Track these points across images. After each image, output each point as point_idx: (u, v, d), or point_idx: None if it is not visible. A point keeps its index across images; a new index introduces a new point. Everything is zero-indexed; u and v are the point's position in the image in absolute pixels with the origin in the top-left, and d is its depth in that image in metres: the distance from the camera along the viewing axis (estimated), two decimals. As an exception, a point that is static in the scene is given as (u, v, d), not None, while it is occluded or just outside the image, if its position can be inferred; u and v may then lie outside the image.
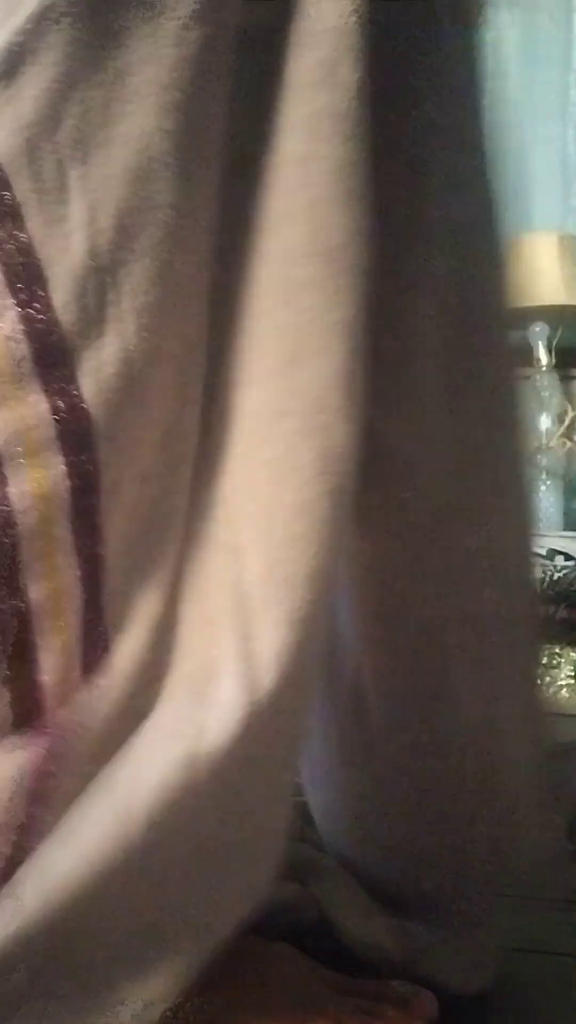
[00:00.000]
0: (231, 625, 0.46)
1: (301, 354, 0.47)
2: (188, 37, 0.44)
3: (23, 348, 0.43)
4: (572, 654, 2.21)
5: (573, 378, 2.66)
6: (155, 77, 0.44)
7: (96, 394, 0.45)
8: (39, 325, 0.44)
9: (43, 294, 0.44)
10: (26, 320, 0.43)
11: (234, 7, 0.46)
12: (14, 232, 0.43)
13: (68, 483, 0.44)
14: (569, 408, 2.53)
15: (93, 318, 0.45)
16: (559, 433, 2.49)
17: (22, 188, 0.43)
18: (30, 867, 0.41)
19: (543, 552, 2.04)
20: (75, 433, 0.44)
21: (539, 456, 2.47)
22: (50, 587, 0.45)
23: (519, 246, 2.54)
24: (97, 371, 0.45)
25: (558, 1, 2.85)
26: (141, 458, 0.47)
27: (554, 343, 2.48)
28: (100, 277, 0.44)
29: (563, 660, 2.21)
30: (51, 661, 0.45)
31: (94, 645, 0.46)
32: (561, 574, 1.99)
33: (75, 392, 0.44)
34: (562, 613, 2.21)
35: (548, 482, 2.43)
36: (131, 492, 0.46)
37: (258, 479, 0.48)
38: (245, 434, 0.48)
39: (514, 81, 2.87)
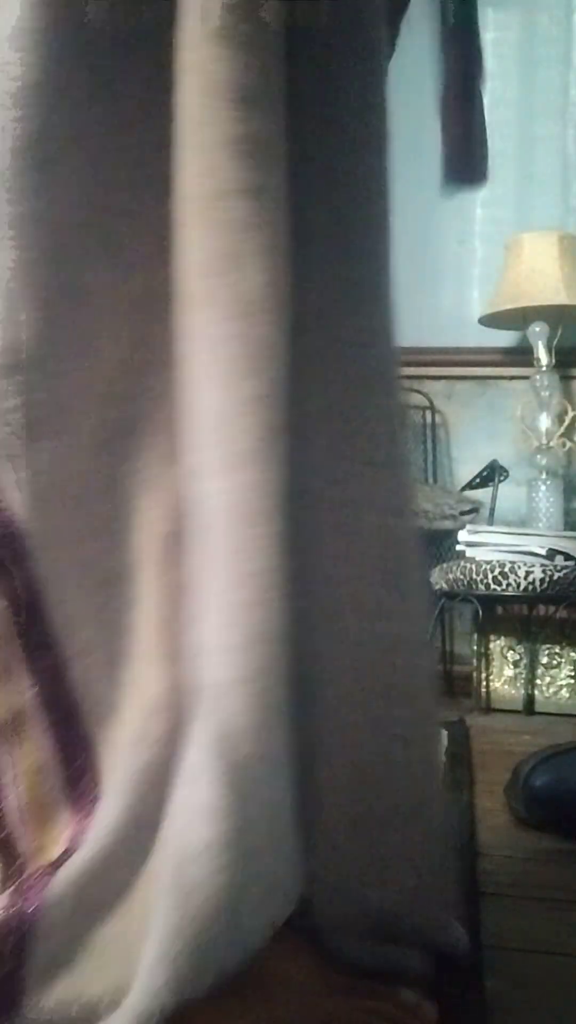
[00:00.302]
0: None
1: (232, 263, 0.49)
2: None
3: None
4: (572, 654, 2.22)
5: (573, 378, 2.67)
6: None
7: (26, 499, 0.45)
8: None
9: None
10: None
11: None
12: None
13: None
14: (569, 408, 2.53)
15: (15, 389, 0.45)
16: (559, 433, 2.49)
17: None
18: None
19: (543, 552, 2.05)
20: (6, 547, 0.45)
21: (539, 456, 2.47)
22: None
23: (519, 246, 2.55)
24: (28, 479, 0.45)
25: (558, 1, 2.85)
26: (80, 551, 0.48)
27: (554, 343, 2.48)
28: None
29: (563, 660, 2.22)
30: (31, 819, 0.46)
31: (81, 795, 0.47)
32: (561, 574, 2.00)
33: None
34: (562, 613, 2.21)
35: (548, 482, 2.43)
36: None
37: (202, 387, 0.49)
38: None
39: (513, 81, 2.87)
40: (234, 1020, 0.47)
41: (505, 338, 2.72)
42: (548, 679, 2.22)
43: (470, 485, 2.41)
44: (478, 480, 2.38)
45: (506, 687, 2.25)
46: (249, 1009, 0.48)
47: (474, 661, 2.29)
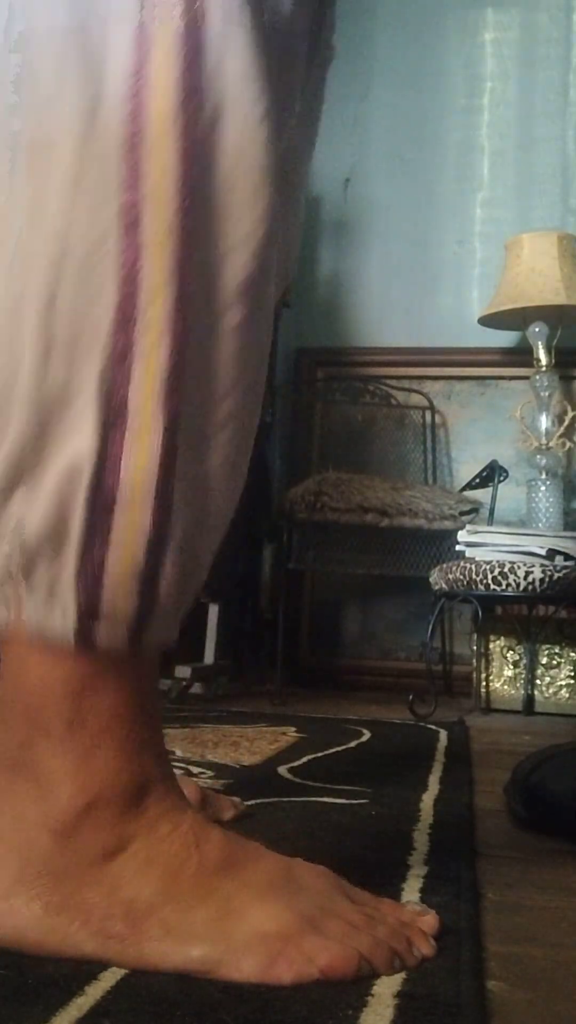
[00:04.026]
0: None
1: None
2: None
3: None
4: (572, 654, 2.22)
5: (573, 378, 2.67)
6: None
7: None
8: None
9: None
10: None
11: None
12: None
13: None
14: (569, 408, 2.53)
15: None
16: (559, 433, 2.49)
17: None
18: None
19: (543, 552, 2.05)
20: None
21: (539, 456, 2.47)
22: None
23: (519, 246, 2.55)
24: None
25: (558, 1, 2.85)
26: None
27: (554, 343, 2.48)
28: None
29: (563, 660, 2.22)
30: None
31: None
32: (561, 574, 2.00)
33: None
34: (562, 613, 2.21)
35: (548, 482, 2.43)
36: None
37: None
38: None
39: (513, 81, 2.87)
40: (254, 905, 0.51)
41: (505, 338, 2.72)
42: (548, 679, 2.23)
43: (470, 485, 2.41)
44: (478, 480, 2.38)
45: (506, 687, 2.25)
46: (266, 896, 0.52)
47: (474, 661, 2.29)
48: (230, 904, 0.51)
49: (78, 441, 0.49)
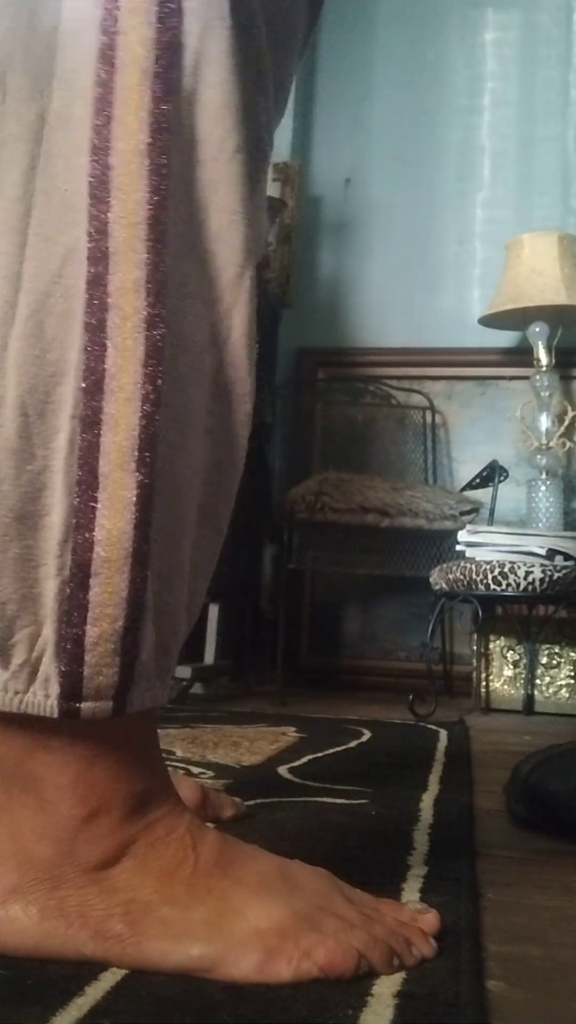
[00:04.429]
0: None
1: None
2: None
3: None
4: (572, 654, 2.22)
5: (573, 378, 2.67)
6: None
7: None
8: None
9: None
10: None
11: None
12: None
13: None
14: (569, 408, 2.53)
15: None
16: (559, 433, 2.49)
17: None
18: None
19: (543, 552, 2.05)
20: None
21: (539, 456, 2.47)
22: None
23: (519, 246, 2.55)
24: None
25: (558, 1, 2.85)
26: None
27: (554, 343, 2.48)
28: None
29: (563, 660, 2.22)
30: None
31: None
32: (561, 574, 2.00)
33: None
34: (562, 613, 2.21)
35: (548, 482, 2.43)
36: None
37: None
38: None
39: (514, 81, 2.87)
40: (254, 903, 0.51)
41: (505, 338, 2.72)
42: (548, 679, 2.23)
43: (470, 485, 2.41)
44: (478, 480, 2.38)
45: (506, 687, 2.25)
46: (263, 894, 0.52)
47: (474, 661, 2.29)
48: (227, 903, 0.51)
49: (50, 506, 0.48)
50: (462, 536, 2.15)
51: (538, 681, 2.21)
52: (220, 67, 0.51)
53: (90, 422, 0.47)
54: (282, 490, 2.51)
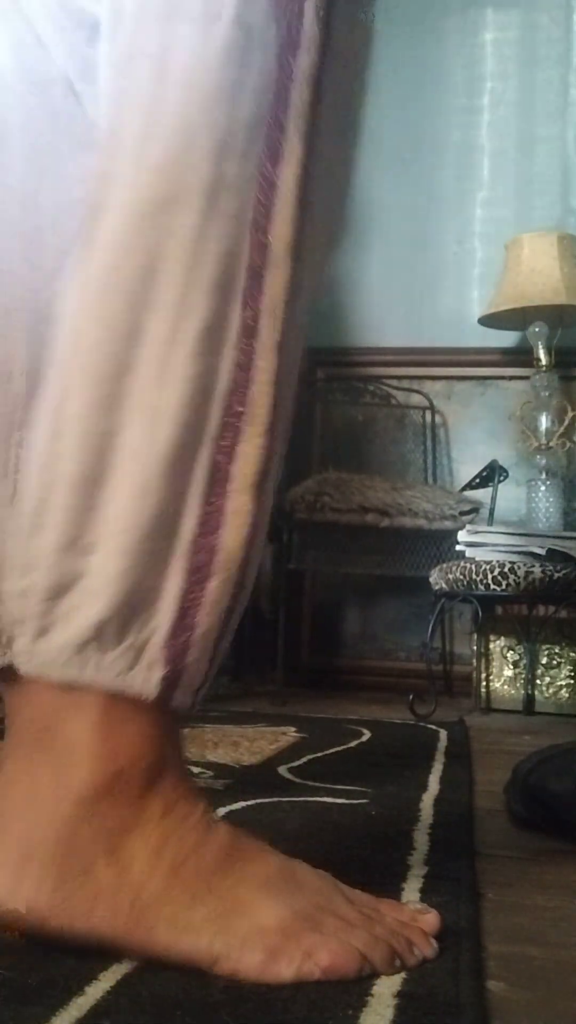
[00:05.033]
0: None
1: None
2: None
3: None
4: (572, 654, 2.22)
5: (573, 378, 2.66)
6: None
7: None
8: None
9: None
10: None
11: None
12: None
13: None
14: (569, 408, 2.53)
15: None
16: (559, 433, 2.49)
17: None
18: None
19: (543, 552, 2.05)
20: None
21: (539, 456, 2.47)
22: None
23: (519, 246, 2.55)
24: None
25: (558, 1, 2.85)
26: None
27: (554, 343, 2.48)
28: None
29: (563, 660, 2.22)
30: None
31: None
32: (561, 574, 2.00)
33: None
34: (562, 613, 2.21)
35: (548, 482, 2.43)
36: None
37: None
38: None
39: (513, 81, 2.87)
40: (254, 898, 0.52)
41: (505, 338, 2.72)
42: (548, 679, 2.23)
43: (470, 485, 2.42)
44: (478, 480, 2.38)
45: (506, 687, 2.25)
46: (265, 889, 0.53)
47: (474, 661, 2.29)
48: (234, 898, 0.52)
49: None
50: (462, 536, 2.15)
51: (538, 681, 2.21)
52: None
53: (226, 452, 0.54)
54: (282, 490, 2.51)
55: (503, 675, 2.26)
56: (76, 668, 0.52)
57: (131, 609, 0.52)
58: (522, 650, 2.23)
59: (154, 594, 0.53)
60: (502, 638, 2.27)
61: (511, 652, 2.26)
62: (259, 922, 0.51)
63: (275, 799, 0.96)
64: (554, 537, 2.13)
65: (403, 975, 0.51)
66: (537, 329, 2.46)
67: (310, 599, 2.75)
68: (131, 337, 0.52)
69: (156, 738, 0.54)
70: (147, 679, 0.52)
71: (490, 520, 2.40)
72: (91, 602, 0.52)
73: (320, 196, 0.58)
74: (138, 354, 0.52)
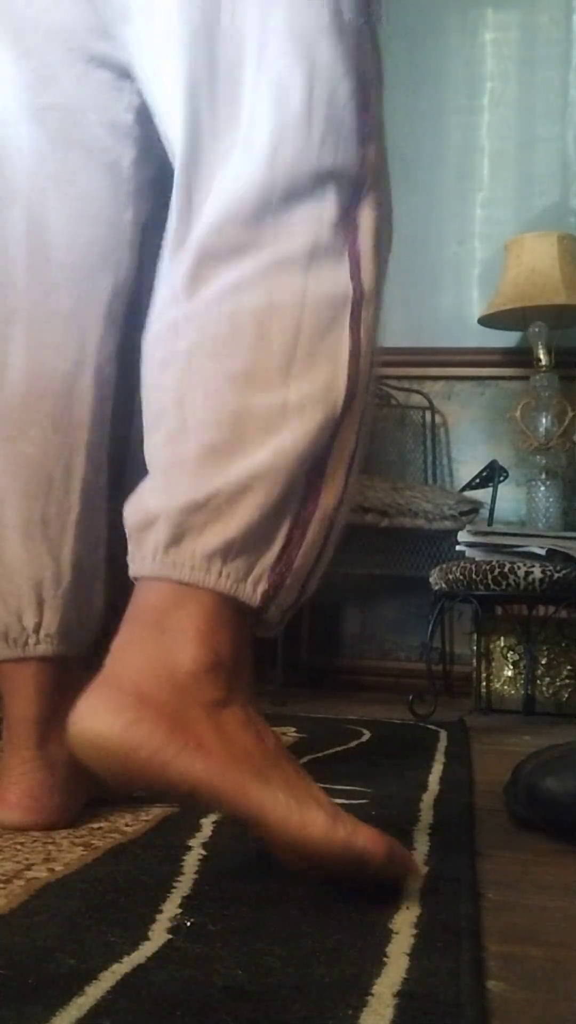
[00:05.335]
0: None
1: None
2: None
3: None
4: (572, 654, 2.22)
5: (573, 378, 2.66)
6: None
7: None
8: None
9: None
10: None
11: None
12: None
13: None
14: (569, 408, 2.53)
15: None
16: (559, 433, 2.49)
17: None
18: None
19: (543, 552, 2.04)
20: None
21: (539, 456, 2.47)
22: None
23: (519, 246, 2.55)
24: None
25: (558, 1, 2.85)
26: None
27: (554, 343, 2.48)
28: None
29: (563, 660, 2.21)
30: None
31: None
32: (561, 574, 1.99)
33: None
34: (562, 613, 2.21)
35: (548, 482, 2.43)
36: None
37: None
38: None
39: (513, 81, 2.87)
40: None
41: (505, 338, 2.72)
42: (548, 679, 2.23)
43: (470, 485, 2.42)
44: (478, 480, 2.38)
45: (506, 687, 2.25)
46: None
47: (474, 661, 2.29)
48: (292, 773, 0.64)
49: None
50: (462, 536, 2.15)
51: (538, 681, 2.21)
52: None
53: (333, 435, 0.70)
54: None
55: (503, 675, 2.26)
56: (202, 572, 0.65)
57: (254, 537, 0.66)
58: (522, 650, 2.23)
59: (272, 531, 0.67)
60: (502, 638, 2.27)
61: (511, 652, 2.26)
62: (315, 795, 0.63)
63: (275, 799, 0.96)
64: (554, 537, 2.12)
65: (403, 975, 0.51)
66: (537, 329, 2.46)
67: (310, 599, 2.75)
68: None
69: (244, 645, 0.67)
70: (253, 591, 0.66)
71: (490, 520, 2.40)
72: (226, 523, 0.65)
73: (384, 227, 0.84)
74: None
